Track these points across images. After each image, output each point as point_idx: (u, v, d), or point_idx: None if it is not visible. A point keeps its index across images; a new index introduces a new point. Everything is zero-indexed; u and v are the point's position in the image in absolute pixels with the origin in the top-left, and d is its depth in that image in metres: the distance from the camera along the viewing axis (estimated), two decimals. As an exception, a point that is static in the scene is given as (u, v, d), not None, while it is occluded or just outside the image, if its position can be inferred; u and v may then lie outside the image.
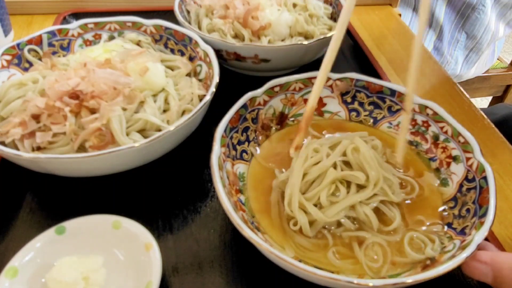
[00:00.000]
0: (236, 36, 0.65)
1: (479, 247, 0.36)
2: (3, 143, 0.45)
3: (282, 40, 0.66)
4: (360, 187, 0.43)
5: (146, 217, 0.45)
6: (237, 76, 0.68)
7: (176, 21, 0.64)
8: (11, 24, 0.72)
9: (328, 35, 0.62)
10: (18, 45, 0.56)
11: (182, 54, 0.61)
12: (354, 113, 0.55)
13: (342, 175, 0.42)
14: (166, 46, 0.63)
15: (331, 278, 0.33)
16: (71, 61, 0.56)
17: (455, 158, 0.47)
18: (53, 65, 0.55)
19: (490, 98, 1.66)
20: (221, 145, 0.44)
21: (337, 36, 0.41)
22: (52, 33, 0.59)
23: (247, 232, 0.36)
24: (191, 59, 0.60)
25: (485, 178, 0.42)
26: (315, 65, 0.64)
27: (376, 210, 0.43)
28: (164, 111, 0.51)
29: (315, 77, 0.53)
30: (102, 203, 0.47)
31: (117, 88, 0.47)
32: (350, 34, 0.81)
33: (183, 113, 0.51)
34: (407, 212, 0.44)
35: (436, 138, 0.49)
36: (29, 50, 0.57)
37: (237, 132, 0.48)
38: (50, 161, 0.42)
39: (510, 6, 1.26)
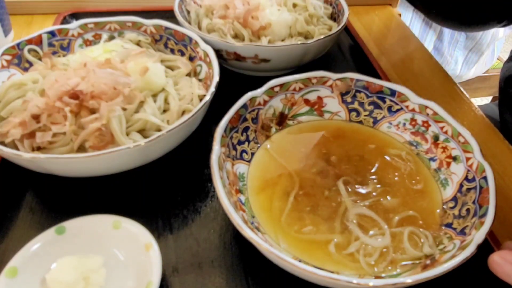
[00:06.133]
0: (236, 36, 0.65)
1: (509, 247, 0.36)
2: (3, 143, 0.45)
3: (282, 40, 0.66)
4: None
5: (146, 217, 0.45)
6: (237, 76, 0.68)
7: (176, 21, 0.64)
8: (11, 24, 0.72)
9: (328, 34, 0.62)
10: (18, 45, 0.56)
11: (182, 54, 0.61)
12: (354, 113, 0.55)
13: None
14: (166, 46, 0.63)
15: (331, 278, 0.33)
16: (71, 61, 0.56)
17: (455, 158, 0.47)
18: (53, 65, 0.55)
19: (490, 98, 1.66)
20: (221, 145, 0.44)
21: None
22: (52, 33, 0.59)
23: (247, 232, 0.36)
24: (191, 59, 0.60)
25: (485, 178, 0.42)
26: (315, 65, 0.64)
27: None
28: (164, 111, 0.51)
29: (315, 77, 0.53)
30: (102, 203, 0.47)
31: (117, 88, 0.47)
32: (350, 34, 0.81)
33: (183, 113, 0.51)
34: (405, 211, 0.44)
35: (436, 138, 0.49)
36: (29, 50, 0.57)
37: (237, 132, 0.48)
38: (50, 161, 0.42)
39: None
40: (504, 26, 0.70)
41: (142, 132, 0.48)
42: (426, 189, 0.47)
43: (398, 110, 0.53)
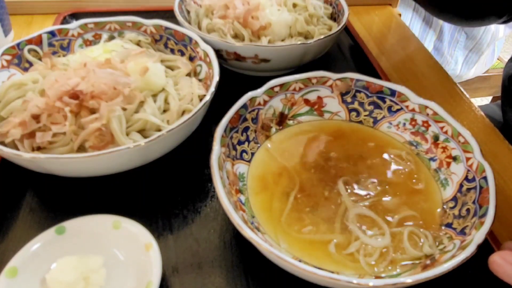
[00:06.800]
0: (236, 36, 0.65)
1: (509, 247, 0.36)
2: (3, 143, 0.45)
3: (282, 40, 0.66)
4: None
5: (146, 217, 0.45)
6: (237, 76, 0.68)
7: (176, 21, 0.64)
8: (11, 24, 0.72)
9: (328, 34, 0.62)
10: (18, 45, 0.56)
11: (182, 54, 0.61)
12: (354, 113, 0.55)
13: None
14: (166, 46, 0.63)
15: (331, 278, 0.33)
16: (71, 61, 0.56)
17: (455, 158, 0.47)
18: (53, 65, 0.55)
19: (490, 98, 1.66)
20: (221, 145, 0.44)
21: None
22: (52, 33, 0.59)
23: (247, 232, 0.36)
24: (191, 59, 0.60)
25: (485, 178, 0.42)
26: (315, 65, 0.64)
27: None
28: (164, 111, 0.51)
29: (315, 77, 0.53)
30: (102, 203, 0.47)
31: (117, 88, 0.47)
32: (350, 34, 0.81)
33: (183, 113, 0.51)
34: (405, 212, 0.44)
35: (436, 138, 0.49)
36: (29, 50, 0.57)
37: (237, 132, 0.48)
38: (50, 161, 0.42)
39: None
40: (504, 22, 0.69)
41: (142, 132, 0.48)
42: (426, 189, 0.47)
43: (398, 110, 0.53)
